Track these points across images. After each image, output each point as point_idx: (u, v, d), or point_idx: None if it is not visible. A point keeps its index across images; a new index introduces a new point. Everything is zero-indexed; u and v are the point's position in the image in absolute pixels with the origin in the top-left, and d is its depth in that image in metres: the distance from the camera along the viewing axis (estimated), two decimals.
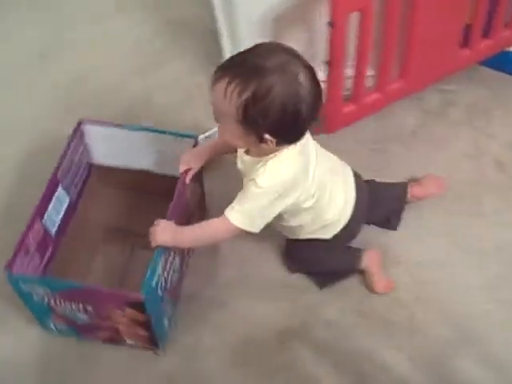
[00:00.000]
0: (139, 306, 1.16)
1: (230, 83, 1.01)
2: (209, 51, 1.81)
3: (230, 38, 1.65)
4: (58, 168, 1.34)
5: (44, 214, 1.30)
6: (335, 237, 1.33)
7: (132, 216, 1.48)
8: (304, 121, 1.06)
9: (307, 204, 1.22)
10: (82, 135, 1.41)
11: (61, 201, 1.37)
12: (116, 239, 1.47)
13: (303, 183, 1.17)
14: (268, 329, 1.35)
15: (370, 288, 1.39)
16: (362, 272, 1.41)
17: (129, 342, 1.30)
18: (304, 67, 1.04)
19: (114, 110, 1.70)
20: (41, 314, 1.29)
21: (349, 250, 1.41)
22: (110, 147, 1.45)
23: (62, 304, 1.22)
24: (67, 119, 1.44)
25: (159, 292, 1.22)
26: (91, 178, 1.49)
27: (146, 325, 1.21)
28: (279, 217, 1.21)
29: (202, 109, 1.67)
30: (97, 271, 1.42)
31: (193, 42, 1.88)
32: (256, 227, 1.16)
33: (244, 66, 1.02)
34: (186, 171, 1.30)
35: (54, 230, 1.35)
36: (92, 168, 1.49)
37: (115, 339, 1.30)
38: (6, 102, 1.77)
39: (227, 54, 1.67)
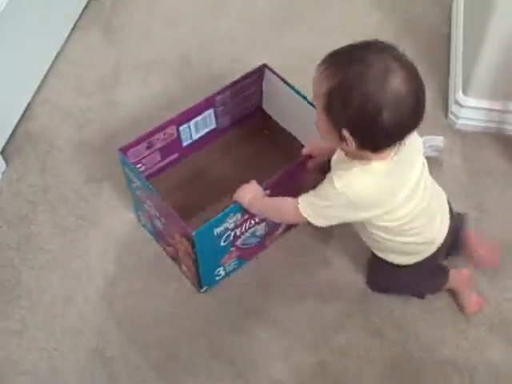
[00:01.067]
0: (192, 242, 1.21)
1: (326, 69, 1.00)
2: (434, 57, 1.75)
3: (468, 49, 1.59)
4: (220, 92, 1.41)
5: (183, 123, 1.39)
6: (419, 263, 1.25)
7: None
8: (386, 127, 0.98)
9: (382, 223, 1.15)
10: (261, 78, 1.46)
11: (206, 122, 1.45)
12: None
13: (386, 204, 1.10)
14: None
15: (461, 309, 1.34)
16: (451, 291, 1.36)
17: (183, 268, 1.37)
18: (406, 74, 0.97)
19: None
20: (136, 202, 1.42)
21: (435, 272, 1.31)
22: (278, 103, 1.48)
23: (148, 202, 1.32)
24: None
25: (221, 242, 1.26)
26: (249, 120, 1.54)
27: (195, 261, 1.26)
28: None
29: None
30: (192, 198, 1.45)
31: (418, 45, 1.79)
32: (320, 222, 1.14)
33: (345, 56, 1.00)
34: (310, 156, 1.28)
35: (186, 143, 1.44)
36: (255, 112, 1.53)
37: (176, 259, 1.38)
38: None
39: (456, 63, 1.64)
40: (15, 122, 1.62)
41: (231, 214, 1.22)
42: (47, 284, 1.37)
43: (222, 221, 1.22)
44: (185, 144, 1.45)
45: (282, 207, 1.19)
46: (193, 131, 1.43)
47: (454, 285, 1.32)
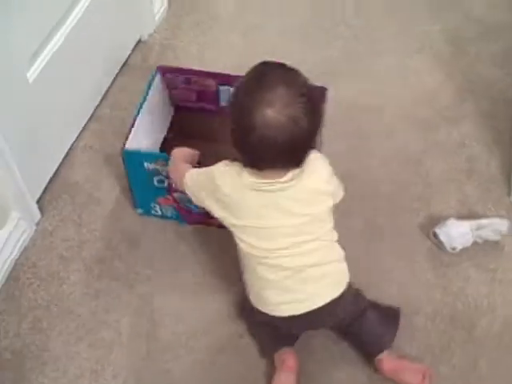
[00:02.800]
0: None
1: None
2: (497, 124, 1.65)
3: None
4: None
5: (223, 84, 1.42)
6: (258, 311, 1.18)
7: None
8: (253, 147, 1.01)
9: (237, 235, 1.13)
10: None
11: None
12: None
13: (233, 214, 1.10)
14: None
15: None
16: None
17: None
18: (290, 105, 0.98)
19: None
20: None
21: (277, 336, 1.23)
22: None
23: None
24: None
25: (155, 181, 1.37)
26: None
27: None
28: None
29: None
30: None
31: (480, 109, 1.70)
32: (192, 197, 1.18)
33: (251, 71, 1.05)
34: None
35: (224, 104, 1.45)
36: None
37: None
38: None
39: None
40: (54, 169, 1.56)
41: (162, 160, 1.29)
42: (75, 353, 1.29)
43: (152, 159, 1.31)
44: (222, 104, 1.47)
45: (180, 171, 1.21)
46: None
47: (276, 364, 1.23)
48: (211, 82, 1.42)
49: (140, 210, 1.48)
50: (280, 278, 1.10)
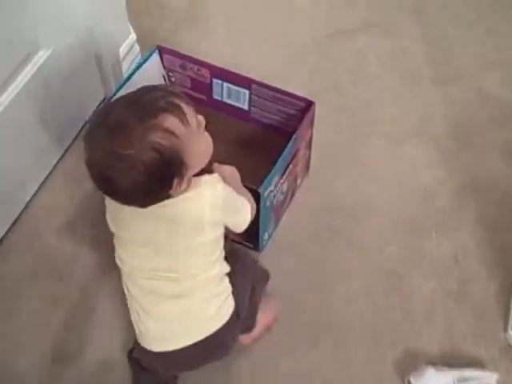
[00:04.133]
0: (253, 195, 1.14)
1: None
2: (502, 237, 1.40)
3: None
4: (259, 84, 1.35)
5: (217, 77, 1.38)
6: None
7: None
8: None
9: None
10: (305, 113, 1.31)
11: (239, 98, 1.40)
12: None
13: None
14: None
15: None
16: None
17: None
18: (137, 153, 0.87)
19: None
20: None
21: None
22: None
23: None
24: None
25: (268, 203, 1.22)
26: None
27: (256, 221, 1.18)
28: None
29: None
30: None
31: (482, 216, 1.45)
32: None
33: None
34: None
35: (217, 97, 1.44)
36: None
37: None
38: None
39: None
40: None
41: (276, 172, 1.20)
42: None
43: (270, 181, 1.19)
44: (215, 97, 1.43)
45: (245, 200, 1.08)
46: (225, 93, 1.41)
47: None
48: (206, 72, 1.38)
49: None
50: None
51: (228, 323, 1.03)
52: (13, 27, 1.19)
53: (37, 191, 1.45)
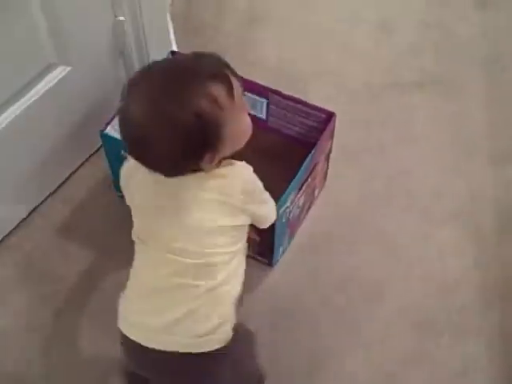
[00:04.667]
0: None
1: None
2: None
3: None
4: (277, 93, 1.30)
5: None
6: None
7: None
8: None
9: None
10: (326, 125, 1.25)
11: (257, 106, 1.33)
12: None
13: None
14: None
15: None
16: None
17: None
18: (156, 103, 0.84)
19: None
20: None
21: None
22: None
23: None
24: None
25: (283, 219, 1.18)
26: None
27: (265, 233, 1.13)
28: None
29: None
30: None
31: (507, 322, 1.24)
32: None
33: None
34: None
35: None
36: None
37: None
38: None
39: None
40: None
41: (291, 190, 1.14)
42: None
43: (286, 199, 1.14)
44: None
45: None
46: None
47: None
48: None
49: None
50: None
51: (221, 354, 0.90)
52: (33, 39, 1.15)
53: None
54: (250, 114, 1.23)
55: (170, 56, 1.32)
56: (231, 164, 0.93)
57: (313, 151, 1.17)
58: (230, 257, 0.92)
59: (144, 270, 0.94)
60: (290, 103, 1.27)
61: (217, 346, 0.90)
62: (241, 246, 0.95)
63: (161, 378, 0.95)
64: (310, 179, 1.23)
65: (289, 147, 1.32)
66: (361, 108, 1.56)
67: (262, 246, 1.22)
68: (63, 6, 1.15)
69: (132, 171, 0.95)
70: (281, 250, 1.28)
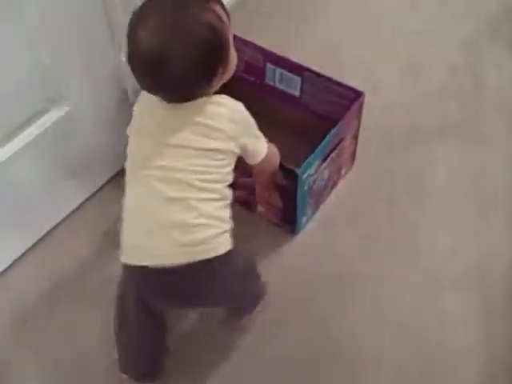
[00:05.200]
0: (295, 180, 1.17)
1: None
2: None
3: None
4: (311, 71, 1.33)
5: (271, 62, 1.37)
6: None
7: None
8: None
9: None
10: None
11: (291, 84, 1.38)
12: None
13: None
14: None
15: None
16: None
17: (259, 209, 1.32)
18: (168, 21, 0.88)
19: None
20: None
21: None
22: None
23: None
24: None
25: (306, 187, 1.22)
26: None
27: (287, 196, 1.22)
28: None
29: None
30: None
31: None
32: None
33: None
34: None
35: (269, 82, 1.42)
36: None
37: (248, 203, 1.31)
38: None
39: None
40: None
41: (316, 159, 1.20)
42: None
43: (311, 165, 1.19)
44: (268, 82, 1.42)
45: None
46: (277, 79, 1.39)
47: None
48: (259, 57, 1.38)
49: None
50: None
51: (217, 262, 0.93)
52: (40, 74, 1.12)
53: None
54: (283, 91, 1.38)
55: None
56: (223, 96, 0.97)
57: (339, 124, 1.21)
58: (222, 177, 0.96)
59: (137, 196, 0.96)
60: (323, 81, 1.31)
61: (217, 253, 0.93)
62: (231, 171, 0.98)
63: (174, 300, 0.99)
64: (335, 153, 1.27)
65: (319, 125, 1.31)
66: (375, 155, 1.46)
67: (286, 213, 1.27)
68: (65, 43, 1.13)
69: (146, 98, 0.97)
70: (304, 219, 1.32)
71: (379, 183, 1.41)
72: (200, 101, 0.94)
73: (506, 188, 1.39)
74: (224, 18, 0.92)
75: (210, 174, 0.94)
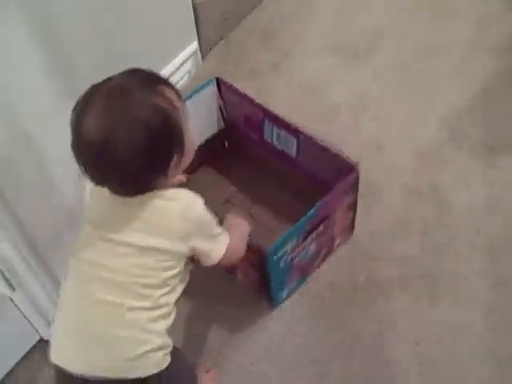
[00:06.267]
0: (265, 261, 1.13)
1: None
2: None
3: None
4: (305, 134, 1.28)
5: (269, 120, 1.33)
6: None
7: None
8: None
9: None
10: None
11: (288, 144, 1.34)
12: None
13: None
14: None
15: None
16: None
17: (239, 276, 1.28)
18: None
19: None
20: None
21: None
22: None
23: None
24: None
25: (281, 264, 1.18)
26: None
27: (262, 270, 1.18)
28: None
29: None
30: None
31: None
32: None
33: None
34: None
35: (267, 138, 1.38)
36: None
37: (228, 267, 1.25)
38: None
39: None
40: None
41: (288, 238, 1.14)
42: None
43: (282, 246, 1.14)
44: (266, 139, 1.38)
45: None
46: (274, 137, 1.36)
47: None
48: (259, 113, 1.34)
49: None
50: None
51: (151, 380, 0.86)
52: None
53: None
54: (281, 151, 1.35)
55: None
56: (179, 190, 0.90)
57: (317, 205, 1.15)
58: (161, 282, 0.88)
59: (72, 290, 0.90)
60: (317, 147, 1.26)
61: (150, 372, 0.87)
62: (177, 274, 0.90)
63: None
64: (321, 228, 1.21)
65: (315, 187, 1.29)
66: None
67: (263, 286, 1.21)
68: None
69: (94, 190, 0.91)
70: (285, 292, 1.27)
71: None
72: (148, 194, 0.86)
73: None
74: (175, 101, 0.85)
75: (147, 277, 0.86)
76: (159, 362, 0.87)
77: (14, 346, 1.19)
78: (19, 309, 1.15)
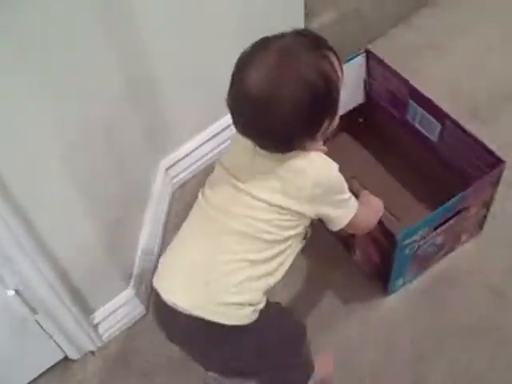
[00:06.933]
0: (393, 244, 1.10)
1: None
2: None
3: None
4: (454, 122, 1.22)
5: (414, 99, 1.29)
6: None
7: None
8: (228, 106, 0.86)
9: None
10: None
11: (431, 128, 1.28)
12: None
13: None
14: None
15: None
16: None
17: (357, 254, 1.27)
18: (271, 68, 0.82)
19: None
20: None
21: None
22: None
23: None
24: None
25: (407, 251, 1.14)
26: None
27: (384, 254, 1.16)
28: None
29: None
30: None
31: None
32: None
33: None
34: None
35: (410, 119, 1.33)
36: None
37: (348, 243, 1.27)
38: None
39: None
40: None
41: (419, 227, 1.11)
42: None
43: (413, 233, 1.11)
44: (408, 119, 1.32)
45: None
46: (417, 118, 1.30)
47: None
48: (405, 91, 1.29)
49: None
50: None
51: (240, 331, 0.88)
52: None
53: None
54: (421, 133, 1.29)
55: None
56: (319, 154, 0.89)
57: (460, 194, 1.11)
58: (281, 240, 0.89)
59: (192, 225, 0.93)
60: (463, 135, 1.20)
61: (234, 322, 0.87)
62: (297, 234, 0.91)
63: (185, 346, 0.96)
64: (453, 221, 1.16)
65: (452, 178, 1.24)
66: None
67: (381, 270, 1.20)
68: None
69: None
70: (401, 281, 1.23)
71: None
72: (290, 153, 0.87)
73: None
74: (337, 67, 0.86)
75: (269, 233, 0.87)
76: (247, 316, 0.88)
77: (35, 360, 1.20)
78: (43, 329, 1.14)
